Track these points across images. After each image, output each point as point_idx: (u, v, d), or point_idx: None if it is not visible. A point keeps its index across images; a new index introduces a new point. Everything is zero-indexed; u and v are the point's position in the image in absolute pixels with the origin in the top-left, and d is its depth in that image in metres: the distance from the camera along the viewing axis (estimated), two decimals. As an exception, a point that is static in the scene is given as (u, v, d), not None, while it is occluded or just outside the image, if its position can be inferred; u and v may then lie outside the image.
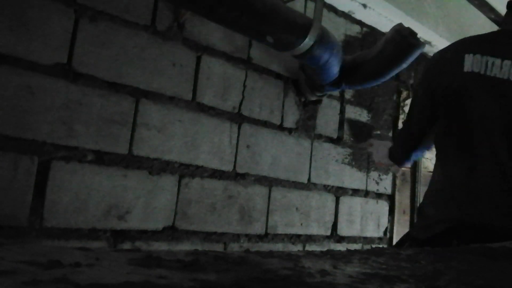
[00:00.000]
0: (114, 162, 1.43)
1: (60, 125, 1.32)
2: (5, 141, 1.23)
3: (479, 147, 1.24)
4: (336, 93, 2.15)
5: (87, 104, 1.38)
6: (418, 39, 1.60)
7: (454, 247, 0.92)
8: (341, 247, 2.16)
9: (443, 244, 1.02)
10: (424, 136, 1.48)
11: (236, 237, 1.75)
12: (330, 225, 2.13)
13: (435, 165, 1.42)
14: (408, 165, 1.60)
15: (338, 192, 2.17)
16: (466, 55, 1.27)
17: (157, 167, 1.53)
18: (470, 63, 1.25)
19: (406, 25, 1.62)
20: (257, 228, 1.82)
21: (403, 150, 1.59)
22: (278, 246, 1.90)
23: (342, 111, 2.21)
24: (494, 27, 2.85)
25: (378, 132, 2.28)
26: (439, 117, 1.37)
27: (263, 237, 1.84)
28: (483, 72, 1.23)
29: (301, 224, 1.99)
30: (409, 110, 1.53)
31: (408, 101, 2.48)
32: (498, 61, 1.22)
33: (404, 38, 1.59)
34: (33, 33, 1.28)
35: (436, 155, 1.41)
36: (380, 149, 1.78)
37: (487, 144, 1.23)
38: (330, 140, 2.14)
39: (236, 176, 1.76)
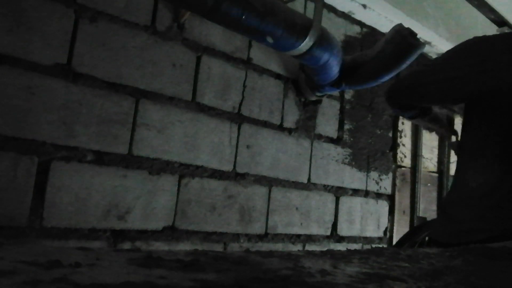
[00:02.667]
0: (114, 162, 1.43)
1: (60, 125, 1.32)
2: (5, 141, 1.23)
3: None
4: (336, 93, 2.15)
5: (87, 104, 1.38)
6: (418, 40, 1.60)
7: (454, 247, 0.92)
8: (341, 247, 2.16)
9: None
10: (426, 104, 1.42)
11: (236, 237, 1.75)
12: (330, 225, 2.13)
13: (465, 167, 1.32)
14: (392, 103, 1.45)
15: (338, 192, 2.17)
16: None
17: (157, 167, 1.53)
18: None
19: (406, 25, 1.62)
20: (257, 228, 1.82)
21: (400, 96, 1.42)
22: (278, 246, 1.90)
23: (342, 111, 2.21)
24: (494, 28, 2.85)
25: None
26: (475, 118, 1.28)
27: (263, 237, 1.84)
28: None
29: (301, 224, 1.99)
30: (441, 69, 1.29)
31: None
32: None
33: (404, 39, 1.59)
34: (33, 33, 1.28)
35: (468, 157, 1.32)
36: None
37: None
38: (330, 140, 2.14)
39: (236, 176, 1.76)
